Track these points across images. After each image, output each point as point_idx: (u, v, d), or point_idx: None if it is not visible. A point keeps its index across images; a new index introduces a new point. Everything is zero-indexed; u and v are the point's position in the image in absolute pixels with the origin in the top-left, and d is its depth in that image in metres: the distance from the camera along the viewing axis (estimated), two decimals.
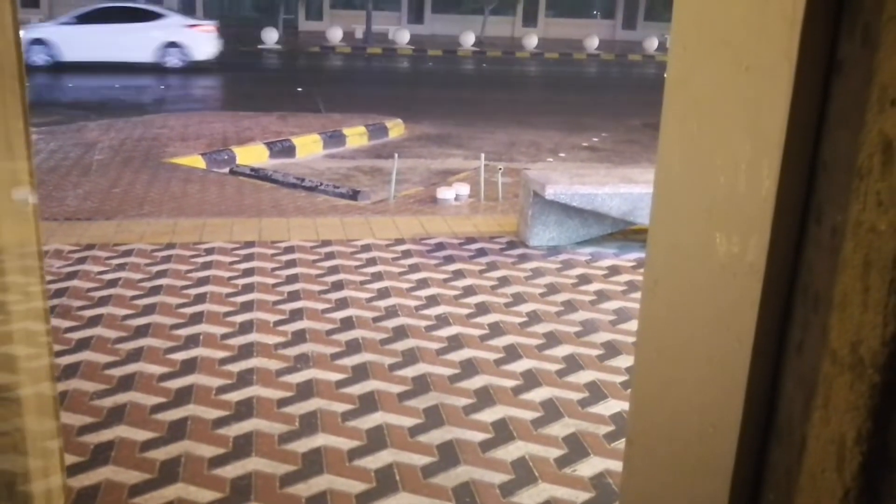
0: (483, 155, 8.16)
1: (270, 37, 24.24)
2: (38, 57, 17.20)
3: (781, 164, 0.64)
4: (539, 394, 3.62)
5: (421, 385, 3.66)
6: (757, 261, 0.66)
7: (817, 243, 0.64)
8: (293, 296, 4.65)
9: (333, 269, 5.09)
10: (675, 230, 0.76)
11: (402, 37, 25.54)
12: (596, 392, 3.66)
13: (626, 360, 3.99)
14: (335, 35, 25.12)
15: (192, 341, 4.03)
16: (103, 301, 4.50)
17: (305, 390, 3.58)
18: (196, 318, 4.30)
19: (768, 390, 0.68)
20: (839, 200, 0.61)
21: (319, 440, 3.19)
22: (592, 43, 26.48)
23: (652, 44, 26.94)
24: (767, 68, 0.65)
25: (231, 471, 2.98)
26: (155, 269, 5.02)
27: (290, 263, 5.17)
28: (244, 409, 3.40)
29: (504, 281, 5.02)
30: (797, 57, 0.62)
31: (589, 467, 3.08)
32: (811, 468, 0.63)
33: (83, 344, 3.97)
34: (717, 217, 0.71)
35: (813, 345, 0.64)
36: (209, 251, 5.35)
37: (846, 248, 0.60)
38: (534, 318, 4.48)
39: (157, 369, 3.74)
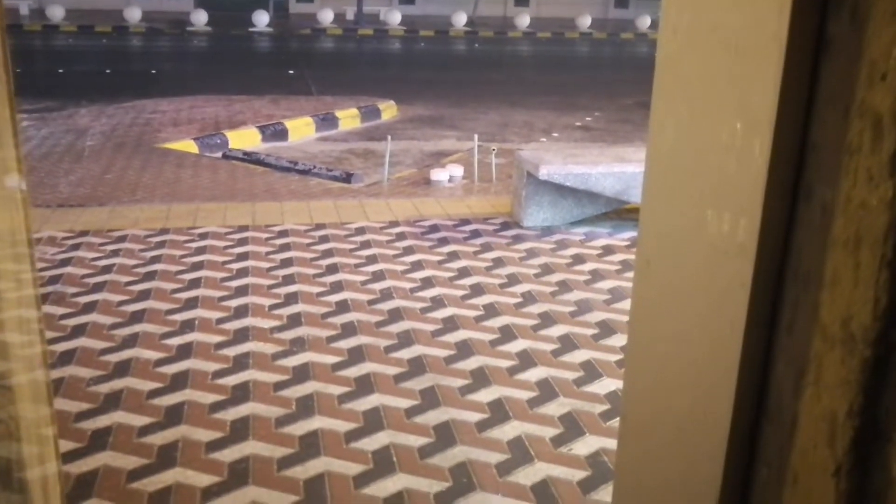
0: (476, 136, 8.15)
1: (261, 19, 24.06)
2: None
3: (772, 143, 0.64)
4: (534, 374, 3.64)
5: (417, 367, 3.68)
6: (748, 240, 0.66)
7: (807, 221, 0.64)
8: (288, 279, 4.65)
9: (328, 253, 5.09)
10: (666, 211, 0.77)
11: (394, 18, 25.38)
12: (591, 371, 3.68)
13: (620, 339, 4.00)
14: (326, 17, 24.94)
15: (187, 326, 4.04)
16: (98, 287, 4.50)
17: (301, 373, 3.59)
18: (191, 303, 4.30)
19: (760, 369, 0.69)
20: (829, 178, 0.62)
21: (316, 423, 3.21)
22: (585, 22, 26.35)
23: (644, 22, 26.83)
24: (757, 49, 0.65)
25: (228, 454, 2.99)
26: (149, 254, 5.01)
27: (285, 247, 5.16)
28: (241, 393, 3.41)
29: (498, 262, 5.02)
30: (786, 37, 0.62)
31: (584, 446, 3.10)
32: (803, 444, 0.64)
33: (78, 330, 3.97)
34: (708, 197, 0.71)
35: (804, 323, 0.64)
36: (203, 236, 5.34)
37: (836, 226, 0.60)
38: (528, 298, 4.49)
39: (153, 354, 3.74)
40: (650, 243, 0.79)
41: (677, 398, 0.77)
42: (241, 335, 3.95)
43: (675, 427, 0.78)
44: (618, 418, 3.28)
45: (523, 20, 26.23)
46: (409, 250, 5.17)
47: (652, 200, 0.79)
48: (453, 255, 5.10)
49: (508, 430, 3.19)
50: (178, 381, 3.50)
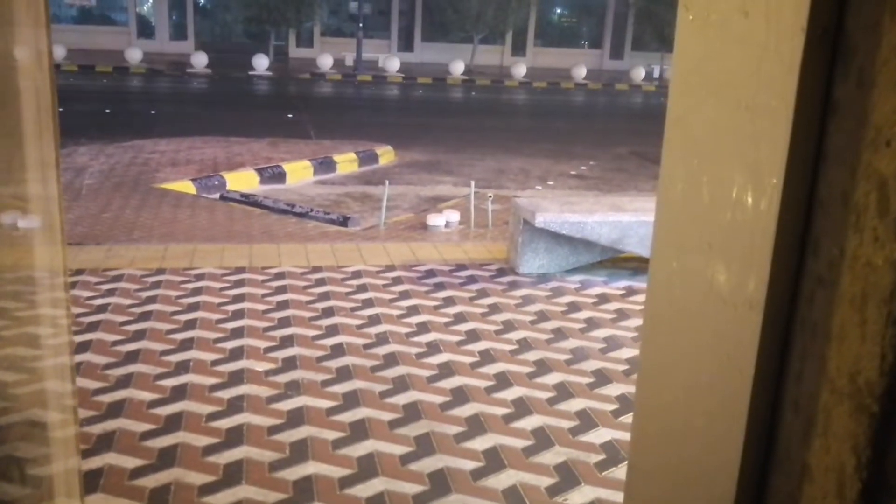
0: (473, 182, 8.22)
1: (261, 63, 24.35)
2: None
3: (781, 200, 0.66)
4: (530, 422, 3.63)
5: (412, 412, 3.66)
6: (757, 294, 0.68)
7: (815, 277, 0.66)
8: (284, 322, 4.64)
9: (324, 296, 5.09)
10: (676, 264, 0.79)
11: (392, 64, 25.72)
12: (587, 420, 3.66)
13: (616, 389, 4.00)
14: (325, 62, 25.26)
15: (182, 368, 4.02)
16: (92, 327, 4.48)
17: (296, 417, 3.56)
18: (186, 345, 4.29)
19: (768, 419, 0.70)
20: (836, 235, 0.64)
21: (310, 468, 3.18)
22: (580, 72, 26.74)
23: (639, 73, 27.23)
24: (766, 108, 0.68)
25: (221, 499, 2.96)
26: (145, 294, 5.00)
27: (281, 289, 5.17)
28: (234, 437, 3.39)
29: (494, 308, 5.03)
30: (795, 98, 0.65)
31: (580, 496, 3.07)
32: (812, 495, 0.65)
33: None
34: (717, 251, 0.73)
35: (812, 375, 0.66)
36: (199, 277, 5.35)
37: (844, 282, 0.62)
38: (524, 345, 4.49)
39: (146, 395, 3.72)
40: (660, 294, 0.81)
41: (686, 446, 0.78)
42: (236, 378, 3.93)
43: (683, 475, 0.79)
44: (613, 468, 3.27)
45: (520, 70, 26.60)
46: (405, 295, 5.18)
47: (662, 252, 0.81)
48: (449, 301, 5.11)
49: (504, 479, 3.17)
50: (172, 423, 3.48)
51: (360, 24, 26.84)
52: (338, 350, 4.30)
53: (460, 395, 3.84)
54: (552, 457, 3.34)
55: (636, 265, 5.89)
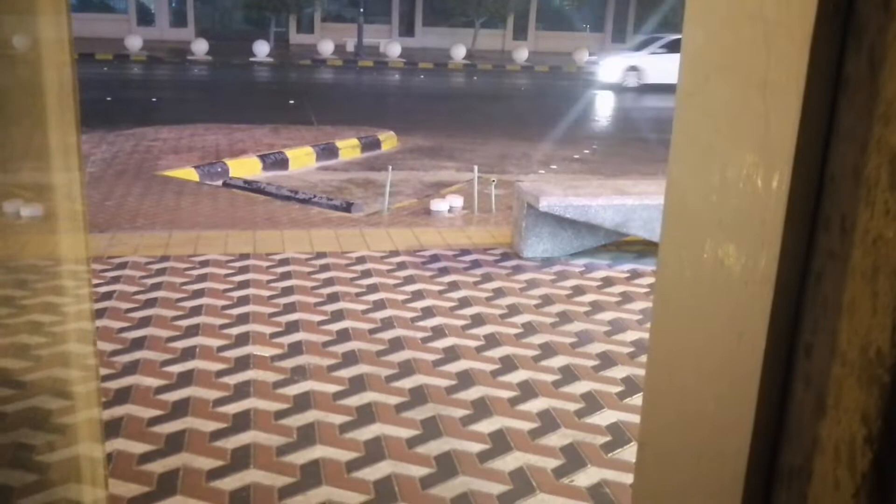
0: (476, 167, 8.21)
1: (262, 49, 24.30)
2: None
3: (791, 176, 0.67)
4: (536, 404, 3.64)
5: (418, 396, 3.68)
6: (768, 269, 0.69)
7: (826, 251, 0.67)
8: (289, 308, 4.66)
9: (329, 281, 5.10)
10: (686, 242, 0.79)
11: (394, 50, 25.65)
12: (592, 402, 3.68)
13: (621, 371, 4.01)
14: (326, 48, 25.20)
15: (188, 354, 4.04)
16: (98, 314, 4.50)
17: (303, 402, 3.59)
18: (192, 331, 4.31)
19: (779, 393, 0.71)
20: (847, 210, 0.64)
21: (317, 452, 3.20)
22: (582, 56, 26.64)
23: None
24: (777, 85, 0.68)
25: (229, 483, 2.98)
26: (150, 281, 5.02)
27: (286, 275, 5.18)
28: (242, 422, 3.41)
29: (499, 292, 5.04)
30: (806, 74, 0.65)
31: (586, 477, 3.10)
32: (823, 467, 0.66)
33: None
34: (728, 228, 0.74)
35: (823, 348, 0.66)
36: (204, 263, 5.36)
37: (855, 256, 0.63)
38: (529, 329, 4.50)
39: (153, 382, 3.74)
40: (670, 273, 0.82)
41: (697, 422, 0.79)
42: (243, 363, 3.95)
43: (694, 450, 0.80)
44: (619, 450, 3.29)
45: (521, 54, 26.52)
46: (409, 280, 5.19)
47: (672, 231, 0.81)
48: (454, 285, 5.12)
49: (510, 461, 3.19)
50: (179, 409, 3.50)
51: (361, 10, 26.76)
52: (343, 335, 4.32)
53: (466, 379, 3.86)
54: (558, 439, 3.36)
55: (640, 248, 5.90)
